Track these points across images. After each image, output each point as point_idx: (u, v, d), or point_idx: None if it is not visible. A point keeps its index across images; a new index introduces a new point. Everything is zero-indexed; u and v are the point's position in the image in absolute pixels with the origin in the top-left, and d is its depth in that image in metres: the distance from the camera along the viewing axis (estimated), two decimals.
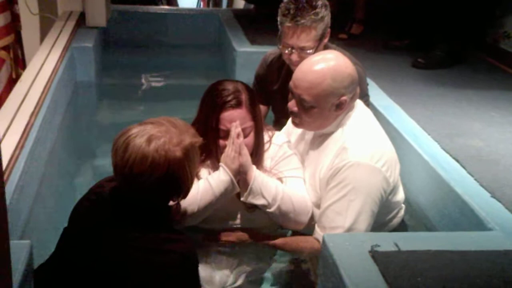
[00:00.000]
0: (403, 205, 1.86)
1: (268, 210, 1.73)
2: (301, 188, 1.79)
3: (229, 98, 1.70)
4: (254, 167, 1.73)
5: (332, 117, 1.73)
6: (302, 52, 2.12)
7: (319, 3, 2.12)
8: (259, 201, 1.72)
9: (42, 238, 2.01)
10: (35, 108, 2.36)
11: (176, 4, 6.00)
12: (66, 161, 2.81)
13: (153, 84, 3.98)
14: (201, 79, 3.62)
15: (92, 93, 3.56)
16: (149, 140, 1.33)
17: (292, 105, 1.74)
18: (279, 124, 2.32)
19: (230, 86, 1.73)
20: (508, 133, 2.34)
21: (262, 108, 2.50)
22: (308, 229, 1.80)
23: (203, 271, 1.70)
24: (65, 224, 1.50)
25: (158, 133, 1.35)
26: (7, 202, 1.69)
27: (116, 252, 1.35)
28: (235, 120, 1.69)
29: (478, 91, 2.87)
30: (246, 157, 1.70)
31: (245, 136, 1.72)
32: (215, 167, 1.74)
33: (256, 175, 1.71)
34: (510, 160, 2.09)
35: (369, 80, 2.42)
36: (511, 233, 1.61)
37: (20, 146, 2.02)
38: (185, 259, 1.36)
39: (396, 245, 1.48)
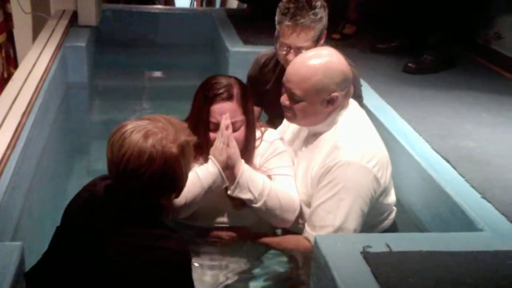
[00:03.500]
0: (394, 208, 1.87)
1: (254, 205, 1.73)
2: (289, 186, 1.80)
3: (221, 91, 1.71)
4: (242, 161, 1.73)
5: (324, 113, 1.74)
6: (299, 52, 2.12)
7: (318, 3, 2.13)
8: (246, 196, 1.72)
9: (34, 239, 2.00)
10: (26, 107, 2.34)
11: (173, 3, 5.99)
12: (58, 161, 2.80)
13: (146, 83, 3.97)
14: (194, 79, 3.57)
15: (85, 93, 3.55)
16: (146, 136, 1.34)
17: (284, 99, 1.77)
18: (272, 125, 2.32)
19: (222, 80, 1.74)
20: (499, 134, 2.36)
21: (256, 109, 2.50)
22: (296, 227, 1.80)
23: (194, 269, 1.70)
24: (57, 224, 1.49)
25: (155, 129, 1.35)
26: None
27: (109, 250, 1.35)
28: (226, 113, 1.70)
29: (470, 92, 2.88)
30: (234, 149, 1.70)
31: (236, 130, 1.72)
32: (206, 161, 1.74)
33: (244, 169, 1.71)
34: (501, 161, 2.10)
35: (361, 81, 2.43)
36: (501, 234, 1.62)
37: (11, 146, 2.01)
38: (179, 255, 1.36)
39: (388, 246, 1.49)
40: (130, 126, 1.36)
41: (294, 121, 1.81)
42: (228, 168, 1.71)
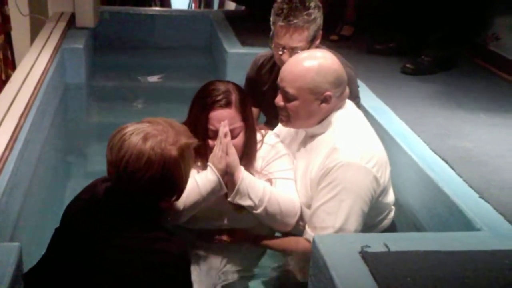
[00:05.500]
0: (393, 207, 1.87)
1: (254, 211, 1.73)
2: (290, 190, 1.80)
3: (219, 97, 1.70)
4: (242, 167, 1.73)
5: (318, 113, 1.74)
6: (294, 53, 2.12)
7: (312, 4, 2.14)
8: (246, 202, 1.72)
9: (32, 240, 2.00)
10: (24, 109, 2.35)
11: (169, 5, 5.99)
12: (56, 163, 2.81)
13: (144, 85, 3.97)
14: (192, 80, 3.60)
15: (82, 95, 3.55)
16: (146, 138, 1.33)
17: (278, 99, 1.77)
18: (270, 125, 2.32)
19: (221, 86, 1.73)
20: (496, 135, 2.36)
21: (254, 110, 2.50)
22: (296, 229, 1.80)
23: (193, 270, 1.70)
24: (55, 225, 1.49)
25: (155, 132, 1.35)
26: None
27: (108, 252, 1.35)
28: (224, 120, 1.69)
29: (468, 93, 2.89)
30: (234, 157, 1.70)
31: (234, 137, 1.72)
32: (205, 168, 1.74)
33: (243, 176, 1.71)
34: (498, 161, 2.10)
35: (359, 82, 2.44)
36: (499, 233, 1.62)
37: (9, 147, 2.01)
38: (177, 258, 1.36)
39: (386, 246, 1.49)
40: (129, 128, 1.36)
41: (289, 124, 1.81)
42: (228, 175, 1.70)
